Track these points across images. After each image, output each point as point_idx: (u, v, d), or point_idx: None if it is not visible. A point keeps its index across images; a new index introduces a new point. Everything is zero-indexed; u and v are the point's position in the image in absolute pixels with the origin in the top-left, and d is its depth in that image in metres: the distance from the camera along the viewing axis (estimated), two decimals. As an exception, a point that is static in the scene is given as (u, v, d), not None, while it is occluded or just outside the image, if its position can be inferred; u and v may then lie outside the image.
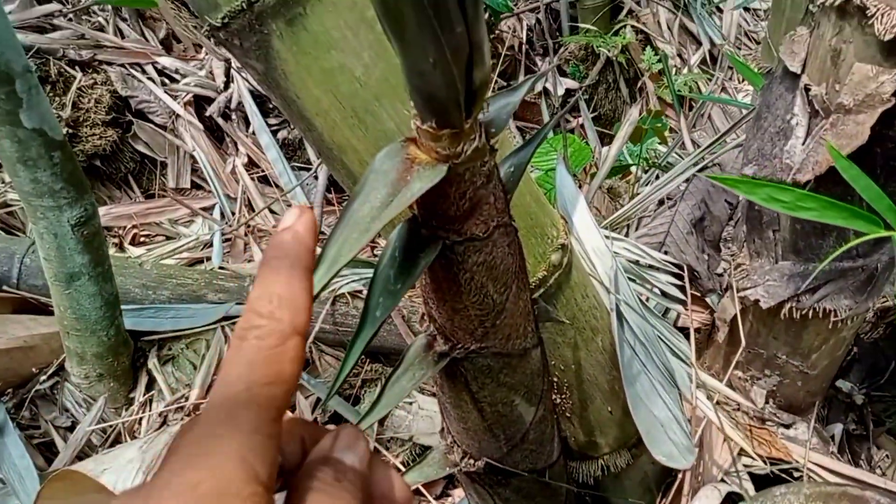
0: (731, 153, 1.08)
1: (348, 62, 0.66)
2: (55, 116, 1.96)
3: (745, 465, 1.14)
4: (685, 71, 2.47)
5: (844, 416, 1.18)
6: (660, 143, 2.12)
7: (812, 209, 0.52)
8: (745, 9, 2.77)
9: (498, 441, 0.77)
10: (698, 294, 1.11)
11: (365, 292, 1.77)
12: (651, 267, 1.02)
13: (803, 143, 0.79)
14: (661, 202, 1.13)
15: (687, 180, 1.07)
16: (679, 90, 2.37)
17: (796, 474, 1.13)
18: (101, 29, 2.27)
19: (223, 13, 0.63)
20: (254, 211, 2.18)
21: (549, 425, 0.82)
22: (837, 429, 1.17)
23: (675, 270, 1.00)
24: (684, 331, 1.36)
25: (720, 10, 2.67)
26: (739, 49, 2.64)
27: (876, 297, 0.94)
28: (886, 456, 1.19)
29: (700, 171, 1.06)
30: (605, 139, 2.67)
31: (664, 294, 1.00)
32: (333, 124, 0.71)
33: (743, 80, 2.53)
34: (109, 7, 2.32)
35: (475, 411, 0.73)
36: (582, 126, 2.63)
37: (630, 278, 1.03)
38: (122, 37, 2.29)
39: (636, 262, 1.04)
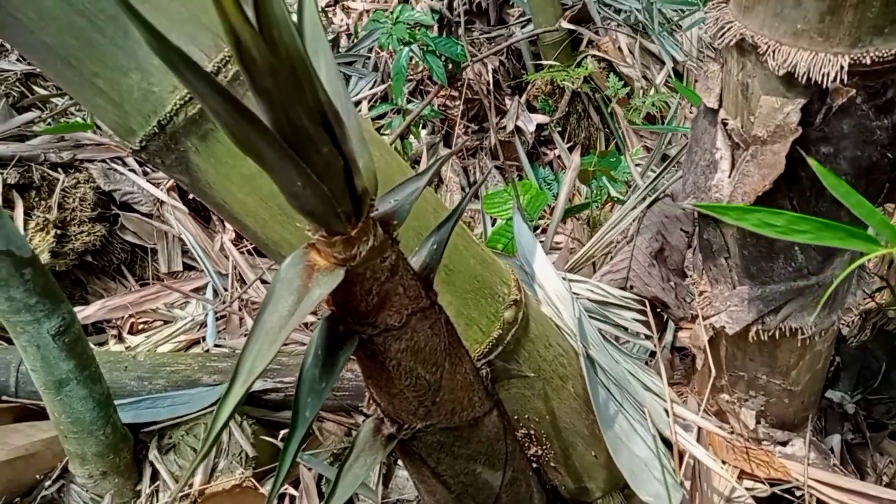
0: (679, 182, 1.09)
1: (268, 165, 0.69)
2: (37, 229, 2.02)
3: (747, 489, 1.12)
4: (652, 91, 2.50)
5: (841, 427, 1.16)
6: (638, 163, 2.14)
7: (806, 232, 0.52)
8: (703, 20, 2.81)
9: (469, 509, 0.77)
10: (674, 322, 1.11)
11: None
12: (616, 305, 1.03)
13: (729, 176, 0.80)
14: (623, 238, 1.15)
15: (642, 212, 1.08)
16: (648, 111, 2.39)
17: (798, 493, 1.11)
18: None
19: (139, 137, 0.66)
20: (245, 284, 2.21)
21: (523, 485, 0.82)
22: (835, 440, 1.15)
23: (638, 307, 1.00)
24: (681, 351, 1.36)
25: (679, 27, 2.70)
26: (702, 61, 2.67)
27: (840, 309, 0.94)
28: (891, 462, 1.16)
29: (651, 203, 1.08)
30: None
31: (635, 333, 1.01)
32: (264, 223, 0.73)
33: (711, 91, 2.55)
34: (85, 108, 2.41)
35: (439, 484, 0.73)
36: (559, 157, 2.65)
37: (595, 318, 1.04)
38: (101, 132, 2.36)
39: (602, 303, 1.04)
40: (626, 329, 1.03)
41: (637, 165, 2.19)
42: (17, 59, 2.43)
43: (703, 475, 1.12)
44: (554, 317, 1.01)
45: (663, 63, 2.62)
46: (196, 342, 1.99)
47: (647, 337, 1.01)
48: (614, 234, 1.11)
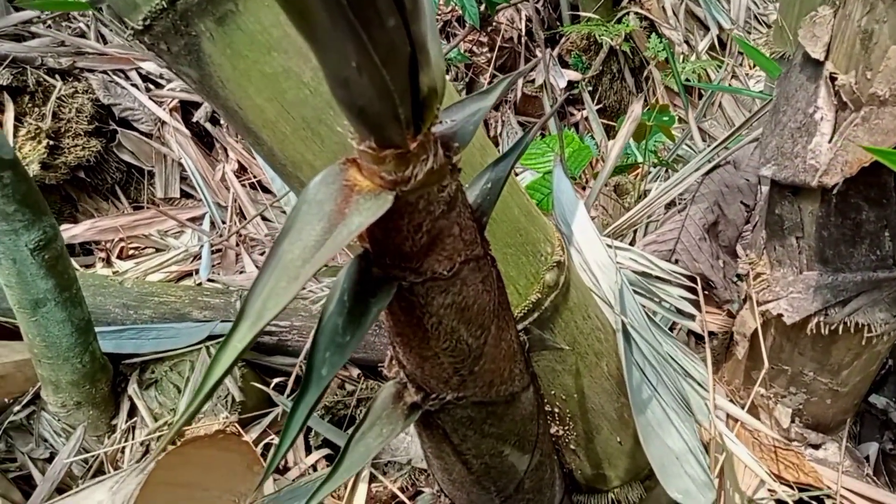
0: (746, 148, 0.97)
1: (293, 65, 0.57)
2: (27, 137, 1.89)
3: (771, 492, 1.03)
4: (693, 58, 2.34)
5: (879, 434, 1.07)
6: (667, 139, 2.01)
7: None
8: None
9: (489, 493, 0.67)
10: (715, 308, 1.00)
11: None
12: (660, 279, 0.92)
13: (830, 141, 0.69)
14: (669, 204, 1.03)
15: (698, 180, 0.96)
16: (687, 79, 2.25)
17: (828, 502, 1.03)
18: (82, 35, 2.19)
19: (143, 14, 0.53)
20: (245, 219, 2.09)
21: (548, 470, 0.72)
22: (872, 448, 1.06)
23: (688, 283, 0.90)
24: (700, 337, 1.26)
25: (728, -8, 2.54)
26: (749, 33, 2.52)
27: (916, 308, 0.84)
28: (927, 476, 1.08)
29: (713, 169, 0.96)
30: (611, 132, 2.55)
31: (678, 311, 0.90)
32: (283, 137, 0.61)
33: (755, 66, 2.40)
34: (91, 11, 2.24)
35: (459, 463, 0.63)
36: (587, 119, 2.51)
37: (637, 292, 0.93)
38: (104, 42, 2.21)
39: (644, 274, 0.93)
40: (669, 306, 0.92)
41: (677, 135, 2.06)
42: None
43: (728, 474, 1.03)
44: (592, 285, 0.90)
45: (708, 29, 2.46)
46: (188, 274, 1.88)
47: (694, 318, 0.90)
48: (663, 202, 1.00)
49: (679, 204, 0.98)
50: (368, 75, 0.32)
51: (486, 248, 0.48)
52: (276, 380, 1.44)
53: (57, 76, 2.02)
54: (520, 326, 0.74)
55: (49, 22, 2.13)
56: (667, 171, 1.64)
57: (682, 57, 2.36)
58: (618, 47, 2.31)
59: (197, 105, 2.19)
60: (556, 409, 0.85)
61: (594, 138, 2.47)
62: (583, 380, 0.83)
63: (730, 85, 2.41)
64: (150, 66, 2.17)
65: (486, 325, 0.50)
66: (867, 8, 0.64)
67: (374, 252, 0.44)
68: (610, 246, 0.95)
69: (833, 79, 0.69)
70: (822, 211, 0.77)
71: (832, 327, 0.85)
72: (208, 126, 2.18)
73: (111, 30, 2.25)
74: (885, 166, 0.69)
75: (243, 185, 2.16)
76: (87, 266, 1.93)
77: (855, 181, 0.70)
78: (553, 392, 0.83)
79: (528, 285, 0.74)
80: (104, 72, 2.10)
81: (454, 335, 0.48)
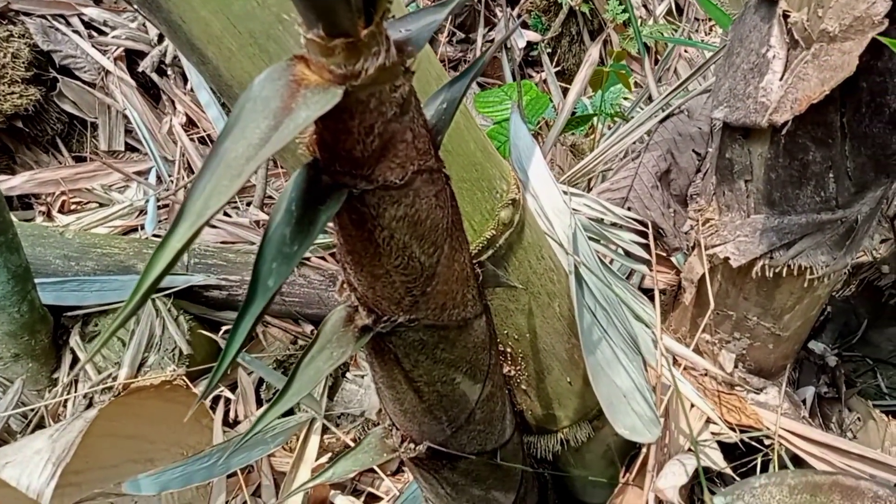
0: (698, 99, 0.99)
1: (241, -26, 0.54)
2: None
3: (714, 434, 1.07)
4: (650, 22, 2.36)
5: (816, 379, 1.12)
6: (625, 98, 2.02)
7: None
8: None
9: (440, 423, 0.68)
10: (664, 253, 1.02)
11: (313, 259, 1.66)
12: (613, 225, 0.93)
13: (781, 79, 0.70)
14: (624, 155, 1.04)
15: (649, 131, 0.97)
16: (645, 42, 2.26)
17: (767, 442, 1.07)
18: (18, -25, 2.06)
19: None
20: (193, 174, 2.03)
21: (499, 402, 0.73)
22: (809, 392, 1.11)
23: (639, 228, 0.91)
24: (649, 293, 1.29)
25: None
26: (706, -1, 2.54)
27: (854, 252, 0.87)
28: (858, 418, 1.13)
29: (664, 119, 0.97)
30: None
31: (627, 254, 0.91)
32: (230, 54, 0.59)
33: (711, 31, 2.43)
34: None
35: (411, 391, 0.63)
36: (545, 81, 2.51)
37: (591, 237, 0.94)
38: (42, -15, 2.08)
39: (597, 220, 0.94)
40: (617, 251, 0.93)
41: (625, 99, 2.08)
42: None
43: (672, 414, 1.06)
44: (546, 229, 0.90)
45: (665, -6, 2.48)
46: (133, 229, 1.82)
47: (646, 262, 0.92)
48: (619, 149, 1.00)
49: (633, 153, 0.99)
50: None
51: (440, 163, 0.47)
52: (223, 329, 1.42)
53: (-11, 18, 1.90)
54: (475, 262, 0.73)
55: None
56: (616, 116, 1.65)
57: (640, 21, 2.36)
58: (577, 8, 2.30)
59: (143, 55, 2.09)
60: (509, 349, 0.85)
61: (552, 100, 2.47)
62: (535, 320, 0.84)
63: (685, 50, 2.44)
64: (93, 12, 2.07)
65: (438, 242, 0.49)
66: (820, -56, 0.64)
67: (324, 159, 0.43)
68: (565, 192, 0.96)
69: (786, 16, 0.69)
70: (771, 153, 0.79)
71: (776, 270, 0.87)
72: (155, 77, 2.09)
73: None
74: (832, 104, 0.71)
75: (192, 140, 2.09)
76: (27, 220, 1.85)
77: (803, 120, 0.71)
78: (506, 332, 0.83)
79: (483, 221, 0.73)
80: (42, 16, 1.99)
81: (406, 251, 0.47)
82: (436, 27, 0.49)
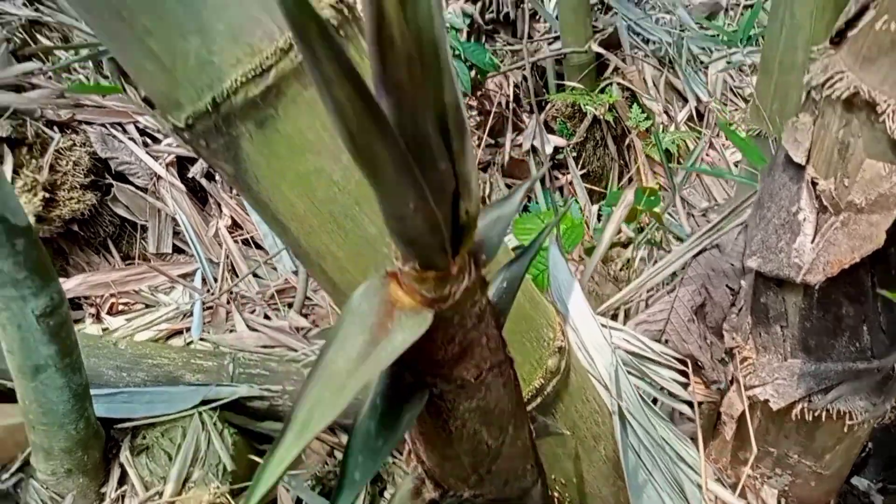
0: (730, 234, 1.03)
1: (325, 165, 0.61)
2: (24, 189, 1.90)
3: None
4: (672, 128, 2.46)
5: (861, 513, 1.11)
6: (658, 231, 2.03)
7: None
8: (730, 63, 2.78)
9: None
10: (702, 385, 1.04)
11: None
12: (651, 360, 0.96)
13: (812, 241, 0.74)
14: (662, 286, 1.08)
15: (683, 265, 1.02)
16: (667, 148, 2.35)
17: (813, 579, 1.05)
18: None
19: (187, 113, 0.57)
20: (237, 275, 2.11)
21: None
22: (854, 527, 1.09)
23: (678, 366, 0.94)
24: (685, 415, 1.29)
25: (706, 67, 2.67)
26: (726, 105, 2.65)
27: (893, 397, 0.88)
28: (905, 554, 1.11)
29: (698, 254, 1.02)
30: (595, 196, 2.64)
31: (669, 394, 0.94)
32: (310, 230, 0.65)
33: (732, 138, 2.52)
34: (90, 64, 2.29)
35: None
36: (571, 183, 2.60)
37: (630, 373, 0.97)
38: (104, 95, 2.25)
39: (636, 355, 0.97)
40: (660, 388, 0.96)
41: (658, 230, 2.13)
42: (24, 3, 2.31)
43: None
44: (587, 365, 0.94)
45: (686, 100, 2.58)
46: (178, 332, 1.88)
47: (687, 402, 0.94)
48: (653, 283, 1.04)
49: (667, 286, 1.04)
50: (423, 214, 0.37)
51: (508, 353, 0.52)
52: (267, 446, 1.44)
53: (55, 128, 2.05)
54: (523, 410, 0.77)
55: (50, 73, 2.17)
56: (651, 242, 1.70)
57: (661, 127, 2.47)
58: (601, 116, 2.41)
59: (193, 160, 2.22)
60: (556, 494, 0.87)
61: (578, 202, 2.55)
62: (581, 464, 0.86)
63: (707, 155, 2.52)
64: (147, 121, 2.22)
65: (504, 426, 0.53)
66: (843, 122, 0.70)
67: (407, 359, 0.47)
68: (603, 325, 0.99)
69: (814, 184, 0.75)
70: (805, 303, 0.82)
71: (815, 413, 0.89)
72: (203, 181, 2.22)
73: (110, 83, 2.29)
74: (863, 266, 0.75)
75: (236, 241, 2.18)
76: (76, 321, 1.92)
77: (835, 279, 0.75)
78: (553, 477, 0.85)
79: (532, 371, 0.77)
80: (102, 125, 2.14)
81: (476, 437, 0.51)
82: (507, 225, 0.55)
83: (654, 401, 0.95)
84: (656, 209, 1.33)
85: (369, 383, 0.48)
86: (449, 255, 0.41)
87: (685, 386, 0.94)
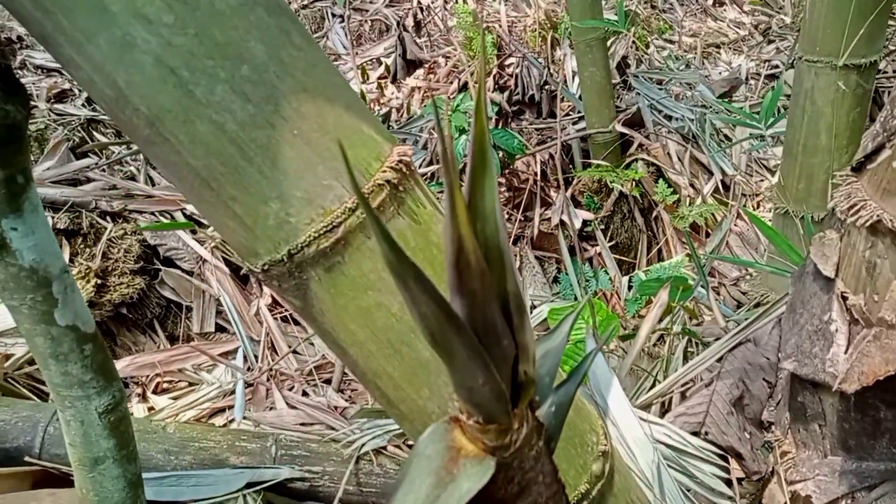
0: (765, 328, 1.06)
1: (385, 300, 0.67)
2: (77, 277, 2.01)
3: None
4: (699, 201, 2.50)
5: None
6: (691, 320, 2.03)
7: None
8: (752, 135, 2.83)
9: None
10: (746, 475, 1.05)
11: (389, 448, 1.72)
12: (692, 454, 0.98)
13: (846, 352, 0.77)
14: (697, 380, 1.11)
15: (720, 359, 1.05)
16: (694, 221, 2.39)
17: None
18: (133, 178, 2.37)
19: (264, 261, 0.64)
20: (276, 352, 2.17)
21: None
22: None
23: (718, 461, 0.96)
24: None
25: (730, 140, 2.74)
26: (751, 175, 2.69)
27: (937, 495, 0.89)
28: None
29: (734, 348, 1.05)
30: (623, 266, 2.67)
31: (711, 489, 0.96)
32: (368, 353, 0.71)
33: (758, 207, 2.56)
34: (141, 156, 2.44)
35: None
36: (600, 255, 2.64)
37: (670, 466, 0.99)
38: (153, 184, 2.38)
39: (676, 449, 1.00)
40: (701, 482, 0.98)
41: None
42: (83, 104, 2.48)
43: None
44: (628, 460, 0.96)
45: (711, 174, 2.64)
46: (221, 410, 1.94)
47: (729, 498, 0.96)
48: (690, 376, 1.07)
49: (704, 380, 1.06)
50: (490, 385, 0.42)
51: (562, 482, 0.56)
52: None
53: (108, 218, 2.18)
54: (570, 516, 0.79)
55: (104, 167, 2.32)
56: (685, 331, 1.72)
57: (688, 200, 2.52)
58: (628, 192, 2.47)
59: (235, 243, 2.32)
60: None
61: (608, 272, 2.59)
62: (627, 562, 0.88)
63: (735, 225, 2.55)
64: (194, 208, 2.33)
65: (558, 548, 0.56)
66: (869, 244, 0.74)
67: (471, 501, 0.52)
68: (643, 419, 1.02)
69: (844, 297, 0.78)
70: (842, 406, 0.85)
71: (860, 510, 0.90)
72: (244, 263, 2.31)
73: (159, 172, 2.43)
74: (896, 376, 0.77)
75: (275, 319, 2.25)
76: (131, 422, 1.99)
77: (871, 387, 0.78)
78: (600, 575, 0.87)
79: (577, 476, 0.80)
80: (152, 213, 2.26)
81: (532, 561, 0.55)
82: (557, 360, 0.60)
83: (693, 493, 0.96)
84: (688, 304, 1.36)
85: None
86: (510, 414, 0.46)
87: (727, 482, 0.96)
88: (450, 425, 0.50)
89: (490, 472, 0.46)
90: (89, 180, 2.26)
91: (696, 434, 1.04)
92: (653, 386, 1.14)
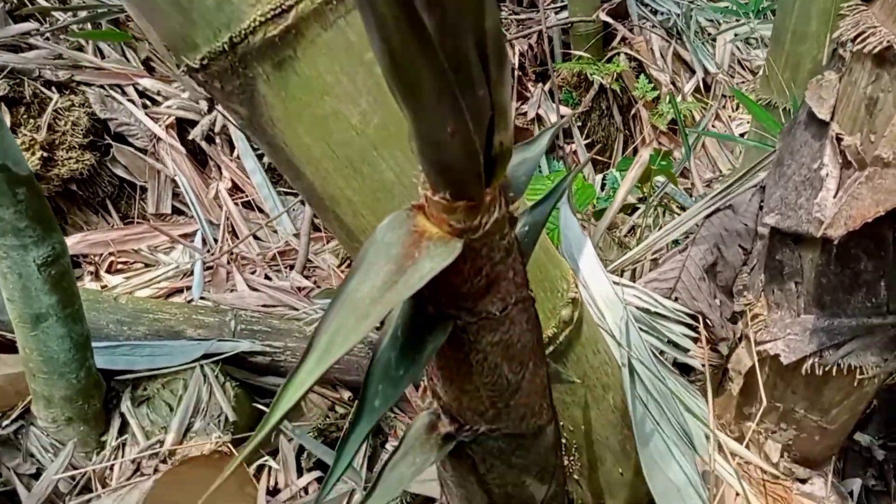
0: (744, 195, 1.03)
1: (343, 109, 0.59)
2: (21, 148, 1.87)
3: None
4: (679, 99, 2.43)
5: (863, 471, 1.12)
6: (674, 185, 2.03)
7: None
8: (737, 35, 2.74)
9: (505, 522, 0.69)
10: (711, 342, 1.04)
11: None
12: (662, 316, 0.96)
13: (835, 196, 0.73)
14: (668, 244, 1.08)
15: (696, 225, 1.01)
16: (674, 119, 2.33)
17: (814, 535, 1.06)
18: (80, 49, 2.19)
19: (202, 54, 0.56)
20: (237, 238, 2.09)
21: (563, 499, 0.75)
22: (856, 484, 1.10)
23: (689, 321, 0.94)
24: (689, 372, 1.30)
25: (714, 39, 2.64)
26: (733, 77, 2.62)
27: (905, 353, 0.88)
28: (906, 512, 1.12)
29: (710, 214, 1.01)
30: (598, 166, 2.62)
31: (677, 346, 0.94)
32: (326, 174, 0.64)
33: (737, 109, 2.50)
34: (89, 26, 2.24)
35: (481, 491, 0.65)
36: (575, 153, 2.58)
37: (641, 328, 0.96)
38: (102, 57, 2.21)
39: (646, 311, 0.97)
40: (670, 342, 0.96)
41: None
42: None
43: (719, 504, 1.06)
44: (598, 320, 0.94)
45: (693, 72, 2.55)
46: (178, 291, 1.88)
47: (695, 355, 0.94)
48: (664, 242, 1.04)
49: (679, 245, 1.03)
50: (460, 139, 0.35)
51: (531, 292, 0.51)
52: (268, 400, 1.44)
53: (54, 88, 2.02)
54: (536, 360, 0.76)
55: (48, 34, 2.13)
56: (660, 205, 1.69)
57: (667, 97, 2.44)
58: (608, 86, 2.38)
59: (193, 123, 2.19)
60: (563, 440, 0.87)
61: (582, 171, 2.53)
62: (590, 412, 0.86)
63: (713, 126, 2.50)
64: (147, 83, 2.18)
65: (525, 361, 0.52)
66: (872, 77, 0.69)
67: (430, 291, 0.47)
68: (615, 283, 0.99)
69: (839, 139, 0.74)
70: (822, 259, 0.82)
71: (826, 368, 0.89)
72: (203, 144, 2.19)
73: (109, 45, 2.25)
74: (885, 220, 0.74)
75: (236, 204, 2.16)
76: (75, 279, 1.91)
77: (855, 234, 0.74)
78: (562, 423, 0.86)
79: (546, 320, 0.77)
80: (101, 86, 2.10)
81: (496, 370, 0.51)
82: (534, 166, 0.54)
83: (663, 353, 0.95)
84: (670, 169, 1.32)
85: (391, 313, 0.48)
86: (482, 184, 0.40)
87: (695, 340, 0.94)
88: (412, 212, 0.44)
89: (456, 252, 0.41)
90: (31, 47, 2.08)
91: (667, 299, 1.02)
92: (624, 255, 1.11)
